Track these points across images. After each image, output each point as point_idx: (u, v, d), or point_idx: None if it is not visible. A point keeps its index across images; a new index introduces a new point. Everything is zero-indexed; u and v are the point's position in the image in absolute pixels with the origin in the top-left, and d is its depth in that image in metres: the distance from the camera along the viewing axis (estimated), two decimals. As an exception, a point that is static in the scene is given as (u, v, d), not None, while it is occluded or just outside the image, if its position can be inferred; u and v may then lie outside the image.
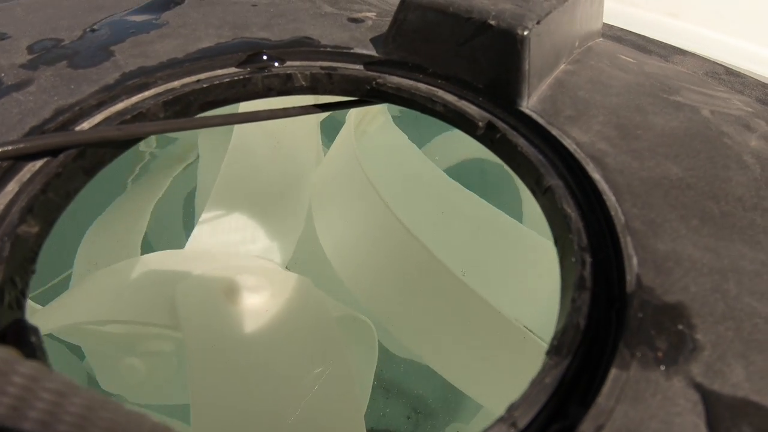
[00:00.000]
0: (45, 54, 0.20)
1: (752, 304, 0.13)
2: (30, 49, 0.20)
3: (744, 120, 0.22)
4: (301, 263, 0.51)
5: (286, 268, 0.45)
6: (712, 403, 0.11)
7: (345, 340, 0.37)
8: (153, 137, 0.56)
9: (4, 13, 0.24)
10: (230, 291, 0.35)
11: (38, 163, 0.15)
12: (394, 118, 0.55)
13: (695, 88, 0.25)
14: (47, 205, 0.15)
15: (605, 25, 0.35)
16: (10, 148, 0.15)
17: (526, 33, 0.19)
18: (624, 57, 0.28)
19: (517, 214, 0.52)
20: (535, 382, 0.11)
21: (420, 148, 0.58)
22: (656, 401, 0.11)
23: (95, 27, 0.22)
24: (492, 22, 0.19)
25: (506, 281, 0.49)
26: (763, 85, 0.30)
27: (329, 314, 0.36)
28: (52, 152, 0.16)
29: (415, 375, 0.61)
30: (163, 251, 0.40)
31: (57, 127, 0.16)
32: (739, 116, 0.23)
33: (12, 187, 0.15)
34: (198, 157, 0.56)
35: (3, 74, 0.19)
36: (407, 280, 0.39)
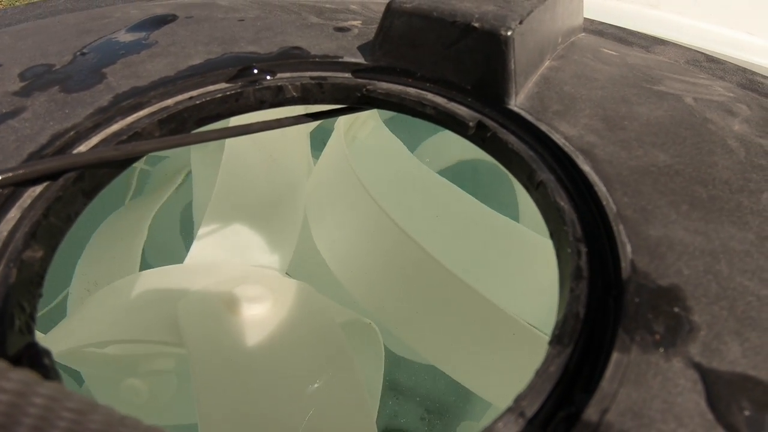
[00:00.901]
0: (37, 80, 0.20)
1: (744, 283, 0.13)
2: (22, 75, 0.21)
3: (726, 105, 0.23)
4: (300, 270, 0.51)
5: (287, 274, 0.45)
6: (712, 381, 0.11)
7: (350, 343, 0.37)
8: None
9: (-7, 42, 0.25)
10: (232, 303, 0.35)
11: (38, 188, 0.16)
12: (385, 121, 0.56)
13: (677, 77, 0.26)
14: (49, 229, 0.15)
15: (586, 19, 0.36)
16: (10, 174, 0.15)
17: (509, 33, 0.19)
18: (606, 50, 0.28)
19: (513, 213, 0.52)
20: (540, 372, 0.12)
21: (413, 150, 0.58)
22: (657, 382, 0.11)
23: (85, 51, 0.23)
24: (476, 25, 0.20)
25: (504, 279, 0.50)
26: (743, 70, 0.31)
27: (333, 319, 0.36)
28: (52, 176, 0.16)
29: (423, 376, 0.62)
30: (162, 267, 0.40)
31: (55, 152, 0.17)
32: (722, 102, 0.24)
33: (14, 213, 0.15)
34: (190, 172, 0.57)
35: (-3, 102, 0.19)
36: (406, 281, 0.39)
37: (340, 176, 0.43)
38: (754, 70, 0.31)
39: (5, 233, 0.14)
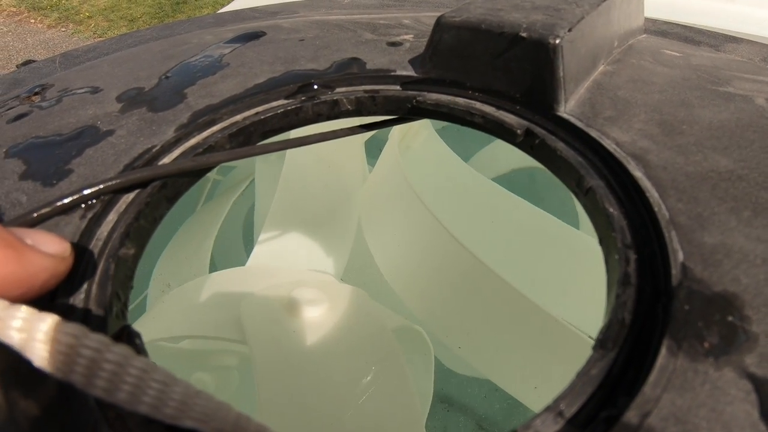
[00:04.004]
0: (130, 101, 0.23)
1: (812, 293, 0.13)
2: (118, 98, 0.24)
3: (804, 105, 0.21)
4: (356, 277, 0.53)
5: (341, 280, 0.47)
6: (767, 392, 0.11)
7: (402, 349, 0.38)
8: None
9: (95, 69, 0.28)
10: (290, 305, 0.37)
11: (131, 195, 0.18)
12: (438, 131, 0.57)
13: (749, 76, 0.24)
14: (140, 230, 0.17)
15: (649, 20, 0.34)
16: (110, 184, 0.17)
17: (557, 41, 0.19)
18: (668, 51, 0.27)
19: (572, 222, 0.51)
20: (581, 374, 0.12)
21: (468, 159, 0.59)
22: (705, 390, 0.11)
23: (168, 74, 0.26)
24: (524, 35, 0.20)
25: (563, 287, 0.48)
26: (830, 65, 0.28)
27: (385, 324, 0.37)
28: (142, 185, 0.18)
29: (476, 389, 0.61)
30: (227, 269, 0.43)
31: (144, 164, 0.19)
32: (800, 101, 0.22)
33: (112, 216, 0.17)
34: (253, 180, 0.61)
35: (99, 122, 0.22)
36: (458, 290, 0.39)
37: (393, 185, 0.44)
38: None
39: (105, 233, 0.17)
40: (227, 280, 0.42)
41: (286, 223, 0.46)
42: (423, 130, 0.56)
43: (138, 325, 0.39)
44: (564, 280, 0.48)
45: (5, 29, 2.45)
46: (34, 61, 0.36)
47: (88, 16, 2.46)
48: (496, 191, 0.53)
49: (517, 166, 0.62)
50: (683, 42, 0.31)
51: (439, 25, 0.22)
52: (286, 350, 0.34)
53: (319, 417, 0.32)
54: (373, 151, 0.53)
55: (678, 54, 0.27)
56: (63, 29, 2.39)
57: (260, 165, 0.56)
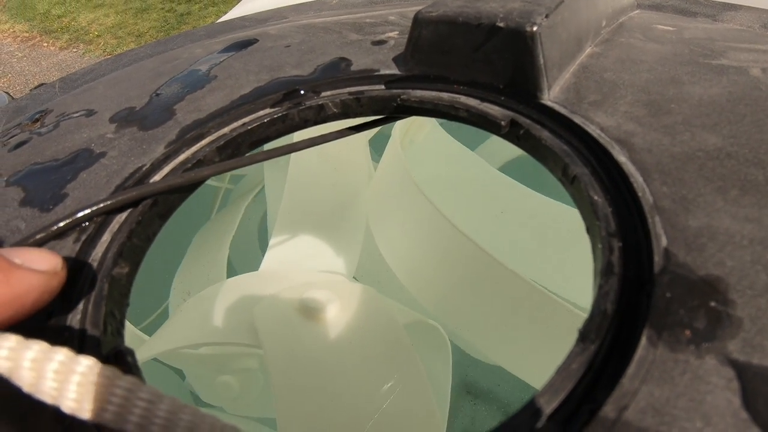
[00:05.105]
0: (122, 122, 0.24)
1: (802, 273, 0.12)
2: (111, 119, 0.25)
3: (803, 72, 0.20)
4: (370, 275, 0.53)
5: (354, 278, 0.47)
6: (749, 378, 0.10)
7: (417, 344, 0.38)
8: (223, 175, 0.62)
9: (91, 92, 0.29)
10: (302, 307, 0.37)
11: (124, 214, 0.19)
12: (444, 123, 0.56)
13: (745, 46, 0.24)
14: (133, 249, 0.18)
15: (643, -6, 0.33)
16: (101, 205, 0.18)
17: (535, 29, 0.19)
18: (661, 26, 0.27)
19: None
20: (561, 369, 0.12)
21: (477, 146, 0.58)
22: (685, 380, 0.11)
23: (159, 92, 0.26)
24: (501, 24, 0.20)
25: (574, 273, 0.48)
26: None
27: (396, 320, 0.37)
28: (133, 204, 0.19)
29: (501, 378, 0.61)
30: (240, 275, 0.44)
31: (135, 183, 0.20)
32: (800, 68, 0.21)
33: (106, 237, 0.18)
34: (264, 185, 0.61)
35: (93, 144, 0.22)
36: (466, 282, 0.39)
37: (397, 181, 0.44)
38: None
39: (100, 254, 0.17)
40: (240, 286, 0.43)
41: (296, 226, 0.47)
42: (426, 123, 0.55)
43: (158, 335, 0.40)
44: (575, 267, 0.48)
45: (20, 54, 2.53)
46: (46, 84, 0.38)
47: (97, 35, 2.52)
48: (503, 181, 0.52)
49: (523, 153, 0.61)
50: (678, 14, 0.30)
51: (417, 21, 0.22)
52: (300, 353, 0.35)
53: (335, 418, 0.32)
54: (381, 147, 0.53)
55: (671, 28, 0.26)
56: (74, 50, 2.46)
57: (269, 171, 0.56)
